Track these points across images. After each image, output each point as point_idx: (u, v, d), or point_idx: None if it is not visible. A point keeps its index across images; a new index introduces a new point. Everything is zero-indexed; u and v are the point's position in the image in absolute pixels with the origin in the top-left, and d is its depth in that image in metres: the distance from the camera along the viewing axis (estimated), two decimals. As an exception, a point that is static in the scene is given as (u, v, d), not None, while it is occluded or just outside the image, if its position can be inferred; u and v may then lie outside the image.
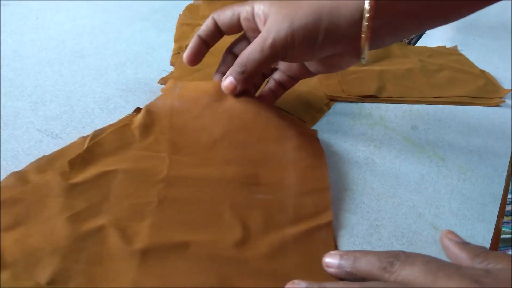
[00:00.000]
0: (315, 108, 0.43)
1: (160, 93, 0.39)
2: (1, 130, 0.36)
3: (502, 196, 0.36)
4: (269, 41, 0.33)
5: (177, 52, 0.50)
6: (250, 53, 0.34)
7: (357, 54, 0.33)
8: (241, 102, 0.37)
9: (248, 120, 0.36)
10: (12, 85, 0.41)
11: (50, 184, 0.30)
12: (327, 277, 0.27)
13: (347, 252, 0.27)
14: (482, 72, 0.54)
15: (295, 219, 0.31)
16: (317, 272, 0.27)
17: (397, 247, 0.31)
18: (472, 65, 0.56)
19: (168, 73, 0.46)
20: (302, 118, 0.41)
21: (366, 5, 0.30)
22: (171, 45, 0.51)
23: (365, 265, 0.25)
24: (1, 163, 0.33)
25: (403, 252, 0.25)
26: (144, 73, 0.46)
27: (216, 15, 0.37)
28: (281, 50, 0.33)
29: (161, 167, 0.33)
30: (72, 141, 0.35)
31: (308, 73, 0.39)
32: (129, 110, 0.40)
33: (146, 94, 0.42)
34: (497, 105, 0.48)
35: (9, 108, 0.38)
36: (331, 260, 0.27)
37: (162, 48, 0.51)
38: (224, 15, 0.37)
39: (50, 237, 0.27)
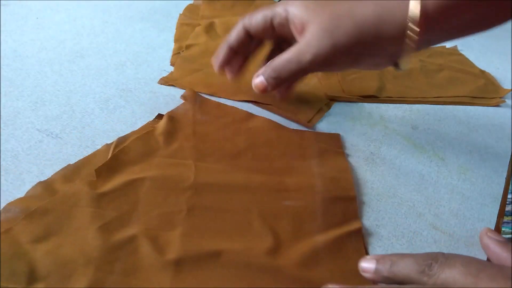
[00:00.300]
0: (315, 108, 0.43)
1: (160, 93, 0.39)
2: (1, 130, 0.36)
3: (502, 196, 0.36)
4: (308, 56, 0.32)
5: (177, 52, 0.50)
6: (287, 61, 0.33)
7: (394, 62, 0.33)
8: (264, 123, 0.39)
9: (271, 138, 0.38)
10: (12, 85, 0.41)
11: (78, 193, 0.30)
12: (361, 283, 0.27)
13: (383, 256, 0.26)
14: (482, 72, 0.54)
15: (325, 226, 0.31)
16: (351, 279, 0.27)
17: (397, 247, 0.31)
18: (472, 65, 0.56)
19: (168, 73, 0.46)
20: (302, 118, 0.41)
21: (412, 28, 0.29)
22: (171, 45, 0.51)
23: (403, 269, 0.24)
24: (1, 163, 0.33)
25: (442, 253, 0.24)
26: (144, 73, 0.46)
27: (247, 21, 0.36)
28: (319, 67, 0.33)
29: (188, 173, 0.33)
30: (72, 141, 0.35)
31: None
32: (129, 110, 0.40)
33: (146, 94, 0.42)
34: (497, 105, 0.48)
35: (9, 108, 0.38)
36: (367, 265, 0.26)
37: (162, 48, 0.51)
38: (256, 21, 0.35)
39: (82, 248, 0.27)
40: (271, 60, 0.34)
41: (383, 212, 0.33)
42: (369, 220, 0.32)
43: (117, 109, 0.40)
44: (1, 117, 0.37)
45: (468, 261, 0.23)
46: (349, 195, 0.33)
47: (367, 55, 0.32)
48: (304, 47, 0.32)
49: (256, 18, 0.35)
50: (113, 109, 0.40)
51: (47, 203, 0.29)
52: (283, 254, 0.28)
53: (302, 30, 0.33)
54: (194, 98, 0.41)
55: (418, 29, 0.29)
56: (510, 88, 0.51)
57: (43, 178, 0.31)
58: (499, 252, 0.27)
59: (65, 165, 0.33)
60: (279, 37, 0.37)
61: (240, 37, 0.36)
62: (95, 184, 0.31)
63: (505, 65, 0.58)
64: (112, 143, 0.35)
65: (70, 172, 0.32)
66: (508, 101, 0.49)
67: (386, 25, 0.30)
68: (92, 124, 0.38)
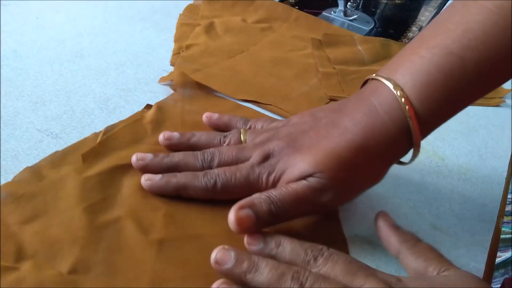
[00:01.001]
0: (315, 108, 0.43)
1: (160, 93, 0.39)
2: (1, 130, 0.36)
3: (502, 196, 0.36)
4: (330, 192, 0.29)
5: (177, 52, 0.50)
6: (297, 191, 0.28)
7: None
8: (251, 114, 0.39)
9: None
10: (12, 85, 0.41)
11: (65, 178, 0.31)
12: None
13: (272, 236, 0.27)
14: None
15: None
16: None
17: (397, 247, 0.31)
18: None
19: (168, 73, 0.46)
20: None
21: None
22: (171, 45, 0.51)
23: (289, 254, 0.26)
24: (1, 163, 0.33)
25: (327, 248, 0.25)
26: (144, 73, 0.46)
27: None
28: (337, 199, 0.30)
29: None
30: (72, 141, 0.35)
31: None
32: (129, 110, 0.40)
33: (146, 94, 0.42)
34: (497, 105, 0.48)
35: (9, 108, 0.38)
36: (253, 240, 0.27)
37: (162, 48, 0.51)
38: None
39: (68, 228, 0.28)
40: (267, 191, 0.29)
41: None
42: (369, 220, 0.32)
43: (117, 109, 0.40)
44: (1, 117, 0.37)
45: (350, 261, 0.25)
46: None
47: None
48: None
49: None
50: (113, 109, 0.40)
51: (34, 187, 0.30)
52: None
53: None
54: (183, 87, 0.41)
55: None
56: (510, 88, 0.51)
57: (43, 178, 0.31)
58: (389, 235, 0.28)
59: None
60: None
61: None
62: (82, 168, 0.32)
63: (505, 65, 0.58)
64: (100, 131, 0.35)
65: (57, 159, 0.33)
66: (508, 101, 0.49)
67: (382, 142, 0.29)
68: (92, 124, 0.38)
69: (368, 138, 0.29)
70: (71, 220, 0.28)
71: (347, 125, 0.29)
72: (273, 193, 0.28)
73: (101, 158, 0.33)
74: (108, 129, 0.36)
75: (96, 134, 0.35)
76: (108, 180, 0.31)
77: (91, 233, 0.27)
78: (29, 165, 0.32)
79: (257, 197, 0.28)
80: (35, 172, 0.31)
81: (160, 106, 0.39)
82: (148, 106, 0.40)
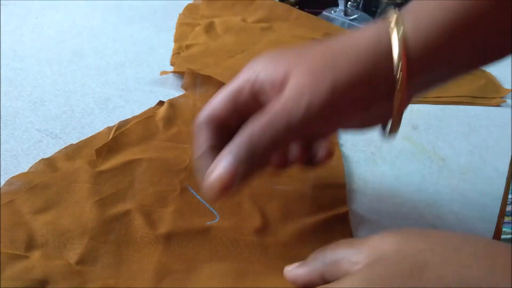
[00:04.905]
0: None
1: (159, 93, 0.39)
2: (1, 130, 0.36)
3: (503, 196, 0.36)
4: (301, 109, 0.22)
5: (177, 52, 0.49)
6: (267, 125, 0.22)
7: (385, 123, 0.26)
8: None
9: None
10: (11, 85, 0.41)
11: (78, 170, 0.32)
12: None
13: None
14: (483, 71, 0.54)
15: (313, 210, 0.32)
16: None
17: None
18: (472, 65, 0.56)
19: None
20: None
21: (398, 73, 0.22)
22: (171, 45, 0.51)
23: None
24: (1, 163, 0.32)
25: None
26: (144, 73, 0.45)
27: (207, 115, 0.26)
28: (314, 125, 0.23)
29: (184, 157, 0.34)
30: (72, 141, 0.35)
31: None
32: (129, 110, 0.40)
33: (146, 94, 0.42)
34: (498, 105, 0.48)
35: (9, 108, 0.38)
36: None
37: (162, 48, 0.50)
38: (219, 108, 0.25)
39: (79, 219, 0.28)
40: (237, 135, 0.23)
41: (384, 213, 0.33)
42: (369, 221, 0.32)
43: (116, 109, 0.40)
44: (1, 117, 0.37)
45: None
46: (339, 182, 0.34)
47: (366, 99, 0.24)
48: (292, 99, 0.23)
49: (218, 104, 0.25)
50: (113, 109, 0.40)
51: (48, 178, 0.31)
52: (271, 234, 0.30)
53: (281, 87, 0.23)
54: (194, 86, 0.42)
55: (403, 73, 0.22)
56: (511, 88, 0.51)
57: (42, 178, 0.31)
58: (294, 277, 0.24)
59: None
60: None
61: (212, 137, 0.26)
62: (95, 162, 0.32)
63: (506, 65, 0.58)
64: (113, 126, 0.36)
65: (72, 151, 0.34)
66: (509, 101, 0.49)
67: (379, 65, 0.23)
68: (92, 124, 0.37)
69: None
70: (82, 212, 0.29)
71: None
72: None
73: (113, 153, 0.34)
74: (121, 124, 0.36)
75: (109, 128, 0.36)
76: (120, 175, 0.32)
77: (100, 225, 0.28)
78: (29, 165, 0.32)
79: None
80: (50, 164, 0.32)
81: (172, 103, 0.40)
82: (161, 103, 0.40)
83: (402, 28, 0.23)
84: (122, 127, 0.36)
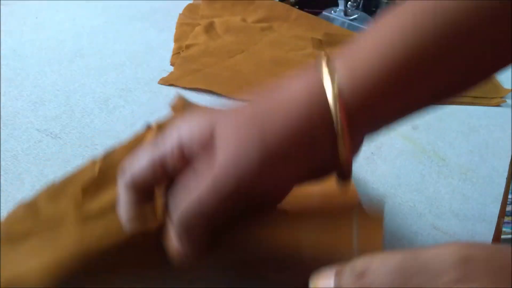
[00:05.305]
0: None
1: (159, 93, 0.39)
2: (1, 130, 0.36)
3: (503, 196, 0.36)
4: (231, 178, 0.21)
5: (177, 52, 0.49)
6: (194, 201, 0.22)
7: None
8: None
9: None
10: (11, 85, 0.41)
11: (63, 215, 0.28)
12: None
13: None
14: (483, 72, 0.54)
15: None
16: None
17: (397, 247, 0.31)
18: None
19: (168, 73, 0.45)
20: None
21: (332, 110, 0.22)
22: (171, 45, 0.51)
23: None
24: (1, 163, 0.32)
25: None
26: (144, 73, 0.45)
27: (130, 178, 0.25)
28: (250, 190, 0.22)
29: None
30: (71, 141, 0.35)
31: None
32: (129, 109, 0.40)
33: (146, 94, 0.42)
34: (498, 105, 0.48)
35: (9, 108, 0.38)
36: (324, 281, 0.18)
37: (162, 48, 0.50)
38: (141, 171, 0.24)
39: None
40: (171, 209, 0.23)
41: (384, 213, 0.33)
42: (369, 220, 0.32)
43: (116, 109, 0.40)
44: (1, 117, 0.37)
45: None
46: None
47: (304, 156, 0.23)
48: (220, 167, 0.22)
49: (145, 170, 0.24)
50: (113, 109, 0.40)
51: (30, 225, 0.27)
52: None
53: (210, 146, 0.22)
54: (182, 107, 0.40)
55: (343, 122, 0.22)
56: (510, 88, 0.51)
57: (42, 178, 0.31)
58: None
59: (65, 165, 0.33)
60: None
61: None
62: (82, 203, 0.29)
63: (506, 65, 0.58)
64: (98, 158, 0.32)
65: (55, 191, 0.30)
66: (509, 101, 0.49)
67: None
68: (92, 124, 0.37)
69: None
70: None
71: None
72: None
73: (101, 189, 0.30)
74: (107, 155, 0.32)
75: (94, 162, 0.32)
76: (111, 214, 0.28)
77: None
78: (29, 165, 0.32)
79: None
80: (31, 208, 0.29)
81: (160, 126, 0.38)
82: (149, 127, 0.38)
83: (335, 82, 0.22)
84: (108, 158, 0.32)
